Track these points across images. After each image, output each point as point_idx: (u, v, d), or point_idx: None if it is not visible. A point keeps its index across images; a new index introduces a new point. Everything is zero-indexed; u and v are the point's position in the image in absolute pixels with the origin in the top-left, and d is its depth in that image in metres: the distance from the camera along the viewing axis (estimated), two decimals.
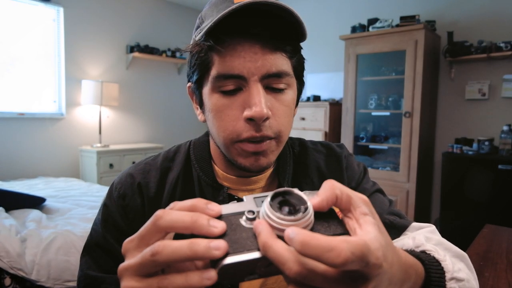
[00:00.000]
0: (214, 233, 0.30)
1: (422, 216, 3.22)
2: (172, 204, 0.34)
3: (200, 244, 0.29)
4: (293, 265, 0.27)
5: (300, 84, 0.62)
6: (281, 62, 0.54)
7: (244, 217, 0.32)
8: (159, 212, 0.31)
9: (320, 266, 0.28)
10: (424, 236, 0.53)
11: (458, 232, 2.82)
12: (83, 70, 3.77)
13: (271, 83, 0.54)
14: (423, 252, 0.49)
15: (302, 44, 0.59)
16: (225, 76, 0.53)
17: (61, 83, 3.64)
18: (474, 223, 2.25)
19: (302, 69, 0.61)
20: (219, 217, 0.33)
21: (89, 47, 3.80)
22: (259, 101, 0.51)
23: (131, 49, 4.07)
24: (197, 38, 0.55)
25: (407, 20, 3.13)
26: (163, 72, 4.54)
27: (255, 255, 0.30)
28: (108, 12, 3.94)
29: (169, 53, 4.37)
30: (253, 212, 0.32)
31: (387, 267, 0.30)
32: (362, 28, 3.43)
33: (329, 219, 0.33)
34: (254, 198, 0.34)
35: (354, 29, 3.47)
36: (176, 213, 0.31)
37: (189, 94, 0.65)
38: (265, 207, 0.31)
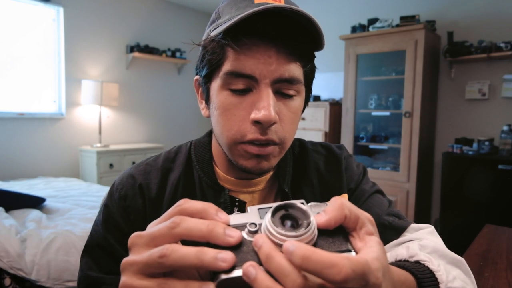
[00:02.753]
0: (230, 243, 0.30)
1: (422, 216, 3.22)
2: (182, 201, 0.33)
3: (208, 254, 0.29)
4: (297, 277, 0.27)
5: (308, 92, 0.62)
6: (294, 69, 0.53)
7: (246, 230, 0.32)
8: (176, 219, 0.31)
9: (323, 281, 0.27)
10: (418, 245, 0.52)
11: (458, 232, 2.82)
12: (83, 70, 3.77)
13: (281, 88, 0.54)
14: (417, 262, 0.48)
15: None
16: (237, 74, 0.52)
17: (61, 83, 3.64)
18: (474, 223, 2.25)
19: (312, 78, 0.61)
20: None
21: (89, 47, 3.80)
22: (268, 104, 0.51)
23: (131, 49, 4.07)
24: (212, 34, 0.54)
25: (407, 20, 3.13)
26: (163, 72, 4.54)
27: None
28: (108, 12, 3.94)
29: (169, 53, 4.37)
30: (255, 225, 0.32)
31: (385, 287, 0.30)
32: (362, 28, 3.43)
33: (335, 234, 0.32)
34: (259, 209, 0.34)
35: (354, 29, 3.47)
36: (193, 221, 0.31)
37: (195, 87, 0.64)
38: (267, 221, 0.30)
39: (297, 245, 0.27)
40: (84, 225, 1.93)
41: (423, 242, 0.53)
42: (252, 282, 0.27)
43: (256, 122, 0.52)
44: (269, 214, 0.31)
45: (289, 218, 0.31)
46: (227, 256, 0.29)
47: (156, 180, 0.64)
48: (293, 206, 0.32)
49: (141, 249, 0.32)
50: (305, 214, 0.31)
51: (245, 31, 0.50)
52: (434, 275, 0.45)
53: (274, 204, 0.32)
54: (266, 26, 0.50)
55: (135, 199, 0.62)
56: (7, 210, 2.06)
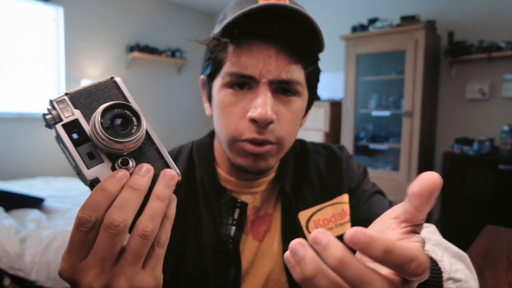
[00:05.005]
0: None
1: None
2: None
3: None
4: (382, 283, 0.24)
5: (312, 95, 0.61)
6: (293, 70, 0.53)
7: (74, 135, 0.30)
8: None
9: (397, 278, 0.26)
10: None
11: (458, 232, 2.81)
12: (82, 70, 3.76)
13: (280, 88, 0.54)
14: None
15: None
16: (237, 75, 0.53)
17: (60, 83, 3.64)
18: (474, 223, 2.25)
19: (316, 80, 0.61)
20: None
21: (89, 47, 3.80)
22: (265, 103, 0.51)
23: (131, 49, 4.07)
24: (215, 32, 0.55)
25: (408, 20, 3.13)
26: (163, 72, 4.53)
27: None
28: (108, 12, 3.94)
29: (169, 53, 4.36)
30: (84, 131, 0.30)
31: None
32: (362, 28, 3.42)
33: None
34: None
35: (354, 29, 3.47)
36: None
37: (201, 86, 0.64)
38: (96, 122, 0.29)
39: (371, 236, 0.23)
40: None
41: (427, 235, 0.53)
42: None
43: (253, 121, 0.52)
44: (98, 116, 0.29)
45: (121, 117, 0.30)
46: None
47: None
48: (125, 106, 0.30)
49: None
50: (135, 113, 0.30)
51: (246, 30, 0.51)
52: (437, 264, 0.45)
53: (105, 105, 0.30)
54: (268, 26, 0.51)
55: None
56: (7, 210, 2.06)
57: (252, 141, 0.53)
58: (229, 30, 0.51)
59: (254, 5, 0.48)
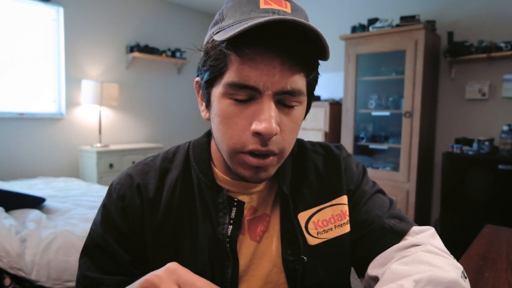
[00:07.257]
0: None
1: (422, 216, 3.21)
2: None
3: None
4: None
5: (310, 99, 0.61)
6: (297, 81, 0.52)
7: None
8: None
9: None
10: (413, 281, 0.48)
11: (458, 232, 2.82)
12: (83, 70, 3.77)
13: (283, 99, 0.53)
14: None
15: None
16: (240, 86, 0.51)
17: (61, 83, 3.64)
18: (474, 223, 2.25)
19: (316, 85, 0.60)
20: None
21: (89, 47, 3.80)
22: (270, 116, 0.50)
23: (131, 49, 4.07)
24: (215, 37, 0.52)
25: (407, 20, 3.13)
26: (163, 72, 4.54)
27: None
28: (108, 12, 3.94)
29: (169, 53, 4.36)
30: None
31: None
32: (362, 28, 3.43)
33: None
34: None
35: (354, 29, 3.47)
36: None
37: (196, 88, 0.63)
38: None
39: None
40: (84, 225, 1.93)
41: (417, 277, 0.49)
42: None
43: (257, 133, 0.51)
44: None
45: None
46: None
47: (154, 180, 0.63)
48: None
49: None
50: None
51: (249, 40, 0.49)
52: None
53: None
54: (271, 36, 0.49)
55: (133, 199, 0.62)
56: (7, 210, 2.06)
57: (255, 153, 0.53)
58: (232, 41, 0.50)
59: (263, 20, 0.46)
